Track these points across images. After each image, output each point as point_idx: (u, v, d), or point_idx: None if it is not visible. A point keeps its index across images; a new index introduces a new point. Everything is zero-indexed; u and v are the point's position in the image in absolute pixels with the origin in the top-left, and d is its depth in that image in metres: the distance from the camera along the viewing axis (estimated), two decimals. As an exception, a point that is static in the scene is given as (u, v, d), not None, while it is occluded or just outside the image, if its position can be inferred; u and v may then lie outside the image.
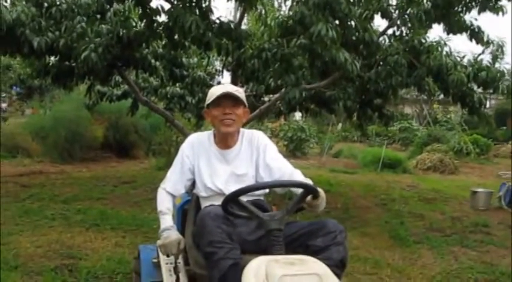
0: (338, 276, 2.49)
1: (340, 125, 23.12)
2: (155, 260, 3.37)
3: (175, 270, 3.03)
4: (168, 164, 3.25)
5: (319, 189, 2.70)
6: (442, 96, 24.39)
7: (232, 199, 2.60)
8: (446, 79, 6.90)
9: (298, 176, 3.00)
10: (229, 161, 3.14)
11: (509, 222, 7.95)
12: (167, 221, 3.01)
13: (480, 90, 7.94)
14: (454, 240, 6.73)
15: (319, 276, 2.18)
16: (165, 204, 3.08)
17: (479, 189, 9.52)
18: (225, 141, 3.14)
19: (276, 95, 7.62)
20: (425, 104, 28.12)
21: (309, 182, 2.86)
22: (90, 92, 9.22)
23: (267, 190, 3.23)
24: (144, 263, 3.47)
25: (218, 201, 2.86)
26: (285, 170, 3.07)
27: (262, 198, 3.21)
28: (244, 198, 2.90)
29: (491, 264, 5.70)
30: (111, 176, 10.94)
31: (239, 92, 3.07)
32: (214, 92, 3.05)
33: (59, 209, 7.40)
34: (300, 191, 2.71)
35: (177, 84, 8.72)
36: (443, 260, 5.85)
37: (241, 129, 3.22)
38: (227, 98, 3.01)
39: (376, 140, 22.02)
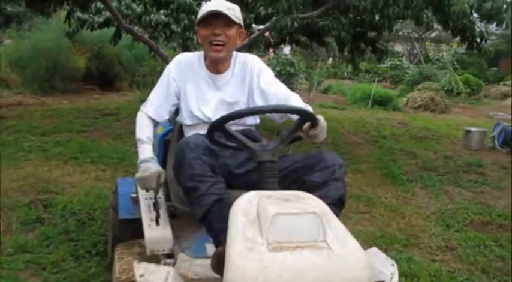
0: (336, 215, 2.21)
1: (330, 59, 22.63)
2: (134, 195, 3.07)
3: (155, 206, 2.73)
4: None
5: (319, 117, 2.36)
6: (434, 34, 23.95)
7: (218, 126, 2.25)
8: (448, 10, 6.48)
9: (296, 101, 2.66)
10: (219, 87, 2.79)
11: (503, 162, 7.79)
12: (147, 151, 2.67)
13: (482, 24, 7.55)
14: (448, 179, 6.54)
15: (317, 215, 1.89)
16: (145, 131, 2.73)
17: (473, 129, 9.29)
18: (215, 65, 2.78)
19: (267, 24, 7.20)
20: (416, 42, 27.69)
21: (309, 108, 2.53)
22: (70, 19, 8.73)
23: (258, 120, 2.91)
24: (122, 198, 3.16)
25: (204, 131, 2.54)
26: (281, 95, 2.72)
27: (253, 128, 2.89)
28: (233, 128, 2.59)
29: (487, 206, 5.52)
30: (93, 108, 10.56)
31: (233, 9, 2.67)
32: (205, 9, 2.66)
33: (37, 141, 7.05)
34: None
35: (162, 11, 8.21)
36: (437, 199, 5.66)
37: (235, 53, 2.84)
38: (218, 17, 2.61)
39: (366, 77, 21.67)
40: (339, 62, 21.15)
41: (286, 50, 19.84)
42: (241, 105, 2.79)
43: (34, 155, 6.28)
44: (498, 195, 6.00)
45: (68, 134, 7.73)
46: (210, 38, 2.65)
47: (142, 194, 2.86)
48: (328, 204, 2.14)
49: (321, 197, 2.23)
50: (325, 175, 2.41)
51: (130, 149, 6.63)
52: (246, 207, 1.93)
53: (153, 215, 2.72)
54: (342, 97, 16.82)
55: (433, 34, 26.03)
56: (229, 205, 2.08)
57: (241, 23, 2.73)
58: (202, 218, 2.27)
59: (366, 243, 4.02)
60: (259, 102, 2.76)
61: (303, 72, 17.90)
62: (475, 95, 18.99)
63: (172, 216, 2.85)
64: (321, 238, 1.86)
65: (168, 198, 2.87)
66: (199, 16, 2.69)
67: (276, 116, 2.71)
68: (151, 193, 2.72)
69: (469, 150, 8.73)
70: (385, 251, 3.92)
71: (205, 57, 2.81)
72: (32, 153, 6.34)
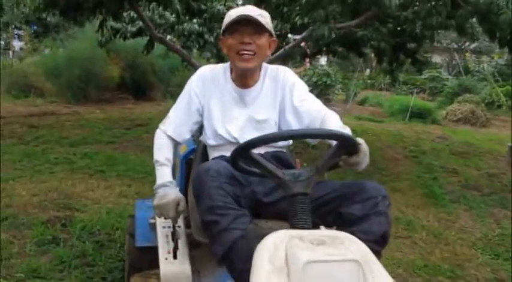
0: (377, 253, 1.90)
1: (368, 70, 22.18)
2: (152, 221, 2.78)
3: (173, 236, 2.46)
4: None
5: (360, 141, 2.02)
6: (473, 45, 23.36)
7: (243, 152, 1.94)
8: (496, 20, 6.07)
9: (333, 121, 2.34)
10: (247, 103, 2.49)
11: (551, 181, 7.29)
12: (165, 174, 2.41)
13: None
14: (494, 200, 6.11)
15: (358, 262, 1.58)
16: (163, 152, 2.49)
17: (518, 145, 8.80)
18: (243, 78, 2.48)
19: (303, 34, 6.91)
20: (456, 53, 27.03)
21: (347, 130, 2.22)
22: (102, 28, 8.60)
23: (291, 140, 2.60)
24: (140, 223, 2.88)
25: (230, 152, 2.27)
26: (317, 114, 2.40)
27: (284, 150, 2.58)
28: (261, 150, 2.30)
29: (537, 232, 5.09)
30: (125, 118, 10.40)
31: (263, 16, 2.36)
32: (231, 15, 2.37)
33: (64, 152, 6.88)
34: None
35: (195, 21, 8.01)
36: (483, 223, 5.25)
37: (265, 65, 2.54)
38: (247, 24, 2.32)
39: (403, 89, 21.17)
40: (376, 73, 20.69)
41: (323, 60, 19.52)
42: (271, 124, 2.49)
43: (60, 167, 6.09)
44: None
45: (97, 145, 7.56)
46: (238, 48, 2.36)
47: (159, 221, 2.59)
48: (369, 241, 1.86)
49: (360, 233, 1.96)
50: (366, 207, 2.09)
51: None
52: (272, 251, 1.63)
53: (171, 246, 2.45)
54: (379, 109, 16.41)
55: (473, 45, 25.37)
56: (256, 237, 1.81)
57: (272, 30, 2.44)
58: (222, 257, 1.97)
59: (407, 273, 3.71)
60: (291, 121, 2.46)
61: (339, 83, 17.54)
62: (516, 108, 18.32)
63: (194, 245, 2.57)
64: (362, 291, 1.55)
65: (188, 225, 2.59)
66: (224, 23, 2.41)
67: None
68: (170, 221, 2.45)
69: (514, 167, 8.27)
70: (428, 283, 3.61)
71: (231, 70, 2.52)
72: (57, 166, 6.15)
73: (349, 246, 1.66)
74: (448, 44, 26.23)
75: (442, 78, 22.17)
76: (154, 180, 5.36)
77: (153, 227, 2.75)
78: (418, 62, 9.20)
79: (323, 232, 1.77)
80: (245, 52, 2.35)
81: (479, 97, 17.22)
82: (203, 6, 7.53)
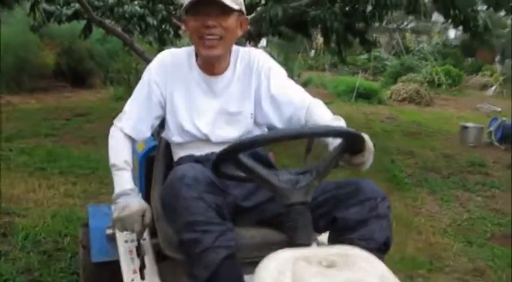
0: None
1: (313, 51, 22.06)
2: (110, 231, 2.41)
3: (139, 252, 2.09)
4: (128, 94, 2.22)
5: (364, 136, 1.71)
6: (412, 24, 23.61)
7: (228, 157, 1.58)
8: (452, -2, 5.94)
9: (319, 110, 2.05)
10: (217, 93, 2.13)
11: (504, 160, 7.33)
12: (125, 180, 2.01)
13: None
14: (455, 182, 6.05)
15: (379, 285, 1.29)
16: (121, 154, 2.08)
17: (469, 125, 8.87)
18: (210, 65, 2.11)
19: (252, 14, 6.57)
20: (394, 33, 27.26)
21: (342, 122, 1.93)
22: (35, 11, 7.99)
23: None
24: (95, 235, 2.50)
25: (199, 150, 1.96)
26: (301, 103, 2.08)
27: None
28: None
29: (503, 214, 4.99)
30: (63, 107, 9.81)
31: None
32: None
33: (-2, 149, 6.32)
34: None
35: (136, 2, 7.53)
36: (449, 207, 5.13)
37: (236, 48, 2.18)
38: (210, 4, 1.93)
39: (345, 69, 21.17)
40: (318, 54, 20.59)
41: (263, 42, 19.23)
42: (246, 116, 2.14)
43: (-6, 166, 5.55)
44: (509, 199, 5.45)
45: (35, 139, 6.97)
46: (201, 32, 1.98)
47: (120, 234, 2.22)
48: (372, 249, 1.57)
49: (361, 240, 1.73)
50: (364, 211, 1.80)
51: (105, 155, 5.93)
52: (277, 278, 1.31)
53: (137, 264, 2.08)
54: (323, 90, 16.25)
55: (411, 25, 25.62)
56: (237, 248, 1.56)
57: (243, 7, 2.06)
58: (208, 282, 1.63)
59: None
60: (269, 112, 2.12)
61: (282, 64, 17.31)
62: (456, 86, 18.63)
63: (161, 257, 2.21)
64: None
65: (154, 234, 2.23)
66: (185, 1, 2.00)
67: None
68: (133, 234, 2.09)
69: (467, 147, 8.29)
70: (410, 278, 3.39)
71: (197, 55, 2.16)
72: (-9, 164, 5.62)
73: (364, 266, 1.37)
74: (387, 23, 26.39)
75: (382, 58, 22.32)
76: (101, 176, 4.90)
77: (111, 238, 2.38)
78: (367, 43, 9.03)
79: (330, 250, 1.46)
80: (209, 37, 1.98)
81: (421, 76, 17.43)
82: (145, -13, 7.07)
